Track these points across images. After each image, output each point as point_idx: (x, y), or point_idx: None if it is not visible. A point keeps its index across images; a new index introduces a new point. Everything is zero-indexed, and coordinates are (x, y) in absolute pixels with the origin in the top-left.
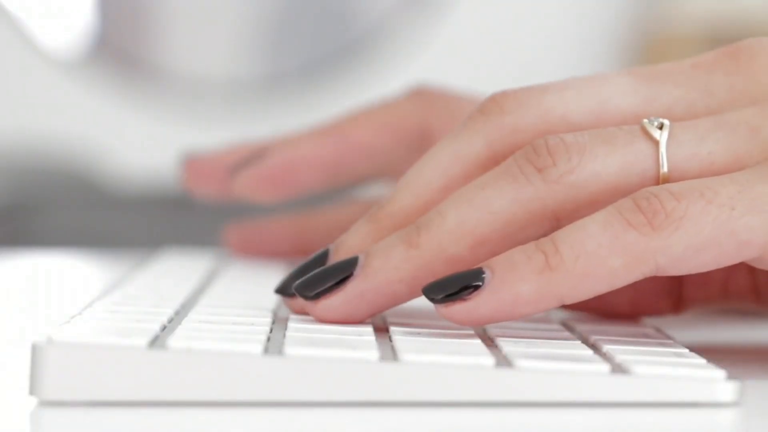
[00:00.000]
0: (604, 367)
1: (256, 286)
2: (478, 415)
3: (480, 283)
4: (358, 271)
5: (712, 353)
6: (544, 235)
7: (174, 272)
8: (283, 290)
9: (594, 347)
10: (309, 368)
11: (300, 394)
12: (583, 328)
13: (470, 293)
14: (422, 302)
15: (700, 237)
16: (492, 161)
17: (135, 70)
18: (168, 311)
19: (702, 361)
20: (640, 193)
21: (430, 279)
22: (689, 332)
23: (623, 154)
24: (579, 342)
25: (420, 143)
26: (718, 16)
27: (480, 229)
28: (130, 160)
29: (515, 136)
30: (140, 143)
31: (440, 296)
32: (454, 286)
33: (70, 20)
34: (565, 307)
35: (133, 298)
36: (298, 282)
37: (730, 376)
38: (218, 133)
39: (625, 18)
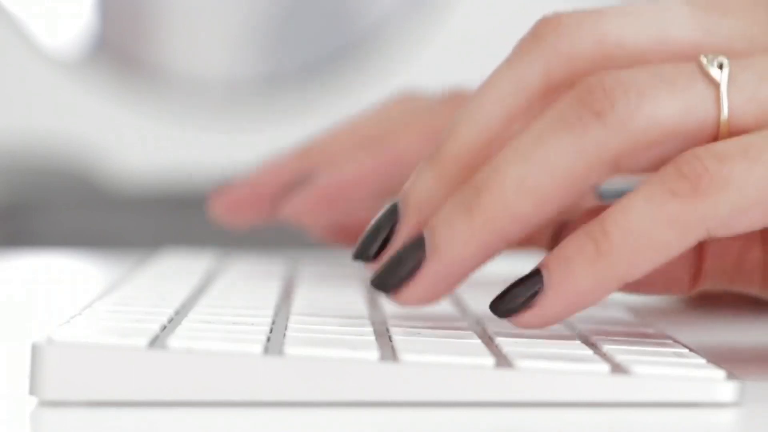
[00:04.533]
0: (604, 367)
1: (256, 286)
2: (478, 415)
3: (540, 286)
4: (429, 254)
5: (712, 353)
6: (605, 180)
7: (174, 272)
8: (360, 255)
9: (594, 347)
10: (309, 368)
11: (300, 394)
12: (583, 328)
13: (533, 299)
14: None
15: (746, 198)
16: (550, 90)
17: (135, 70)
18: (168, 311)
19: (702, 361)
20: (682, 157)
21: (501, 241)
22: (689, 332)
23: (684, 99)
24: (579, 342)
25: None
26: None
27: (542, 185)
28: (130, 160)
29: (572, 64)
30: (140, 143)
31: (504, 311)
32: (516, 300)
33: (70, 20)
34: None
35: (133, 298)
36: (373, 279)
37: (730, 376)
38: (218, 133)
39: None
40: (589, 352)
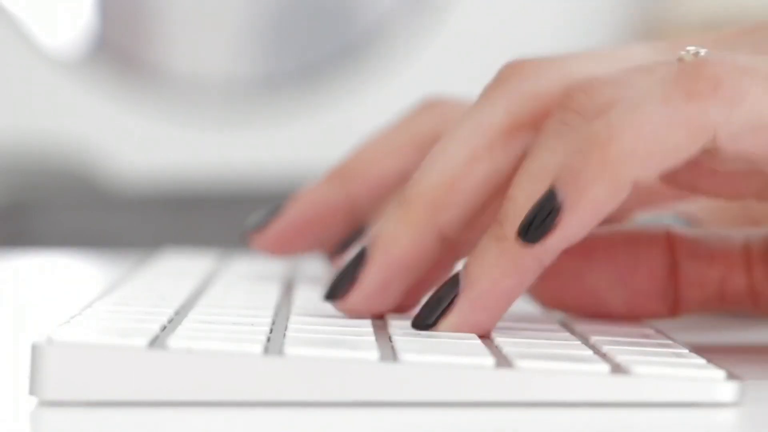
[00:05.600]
0: (604, 367)
1: (256, 286)
2: (478, 415)
3: (557, 203)
4: (462, 286)
5: (712, 353)
6: None
7: (174, 272)
8: (330, 296)
9: (594, 347)
10: (309, 368)
11: (300, 394)
12: (583, 328)
13: (554, 220)
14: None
15: (761, 118)
16: (514, 129)
17: (135, 70)
18: (168, 311)
19: (702, 361)
20: (705, 57)
21: (533, 260)
22: (689, 332)
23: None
24: (579, 342)
25: None
26: (718, 12)
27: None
28: (130, 160)
29: (536, 102)
30: (140, 143)
31: (529, 236)
32: (543, 222)
33: (70, 20)
34: (560, 309)
35: (133, 298)
36: (414, 320)
37: (730, 376)
38: (218, 133)
39: (625, 22)
40: (589, 352)
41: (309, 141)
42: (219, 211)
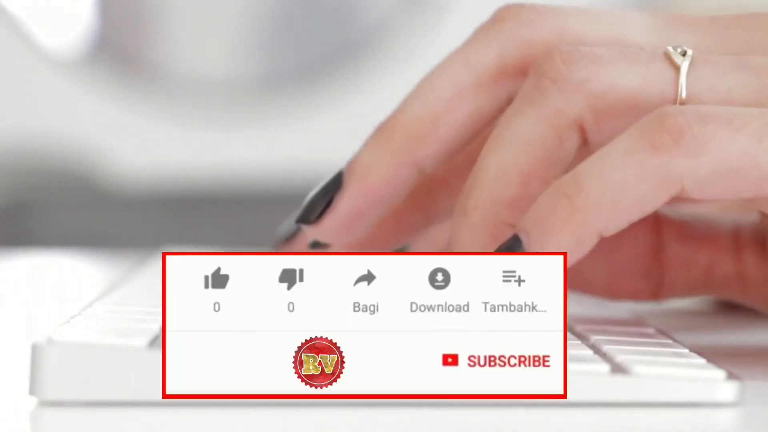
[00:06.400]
0: (604, 367)
1: None
2: (479, 415)
3: (520, 250)
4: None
5: (712, 353)
6: (578, 148)
7: None
8: (302, 219)
9: (594, 347)
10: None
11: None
12: (583, 328)
13: None
14: None
15: (725, 163)
16: (503, 72)
17: (135, 70)
18: None
19: (702, 361)
20: (665, 109)
21: (504, 227)
22: (689, 332)
23: (644, 71)
24: (579, 342)
25: None
26: (719, 9)
27: (520, 163)
28: (130, 160)
29: (529, 48)
30: (140, 143)
31: None
32: None
33: (70, 20)
34: None
35: (132, 298)
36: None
37: (730, 376)
38: (218, 133)
39: None
40: (589, 352)
41: (309, 141)
42: (219, 211)
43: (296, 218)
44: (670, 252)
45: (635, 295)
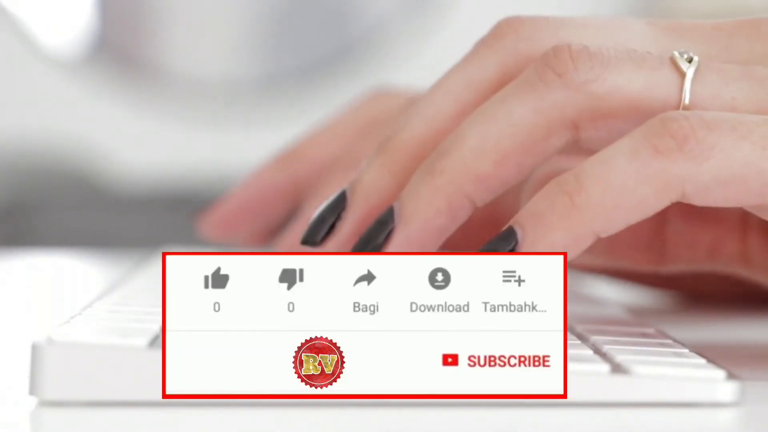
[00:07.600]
0: (604, 367)
1: None
2: (478, 415)
3: (515, 243)
4: (397, 221)
5: (712, 353)
6: (566, 146)
7: None
8: (307, 241)
9: (594, 347)
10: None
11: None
12: (583, 328)
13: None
14: None
15: (729, 171)
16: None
17: (135, 70)
18: None
19: (702, 361)
20: (669, 114)
21: (465, 201)
22: (689, 332)
23: (649, 76)
24: (579, 342)
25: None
26: (721, 9)
27: (502, 143)
28: (130, 160)
29: (529, 63)
30: (140, 143)
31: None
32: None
33: (70, 20)
34: None
35: (132, 298)
36: (354, 246)
37: (730, 376)
38: (218, 133)
39: None
40: (589, 352)
41: None
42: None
43: (301, 239)
44: (673, 228)
45: (635, 265)
